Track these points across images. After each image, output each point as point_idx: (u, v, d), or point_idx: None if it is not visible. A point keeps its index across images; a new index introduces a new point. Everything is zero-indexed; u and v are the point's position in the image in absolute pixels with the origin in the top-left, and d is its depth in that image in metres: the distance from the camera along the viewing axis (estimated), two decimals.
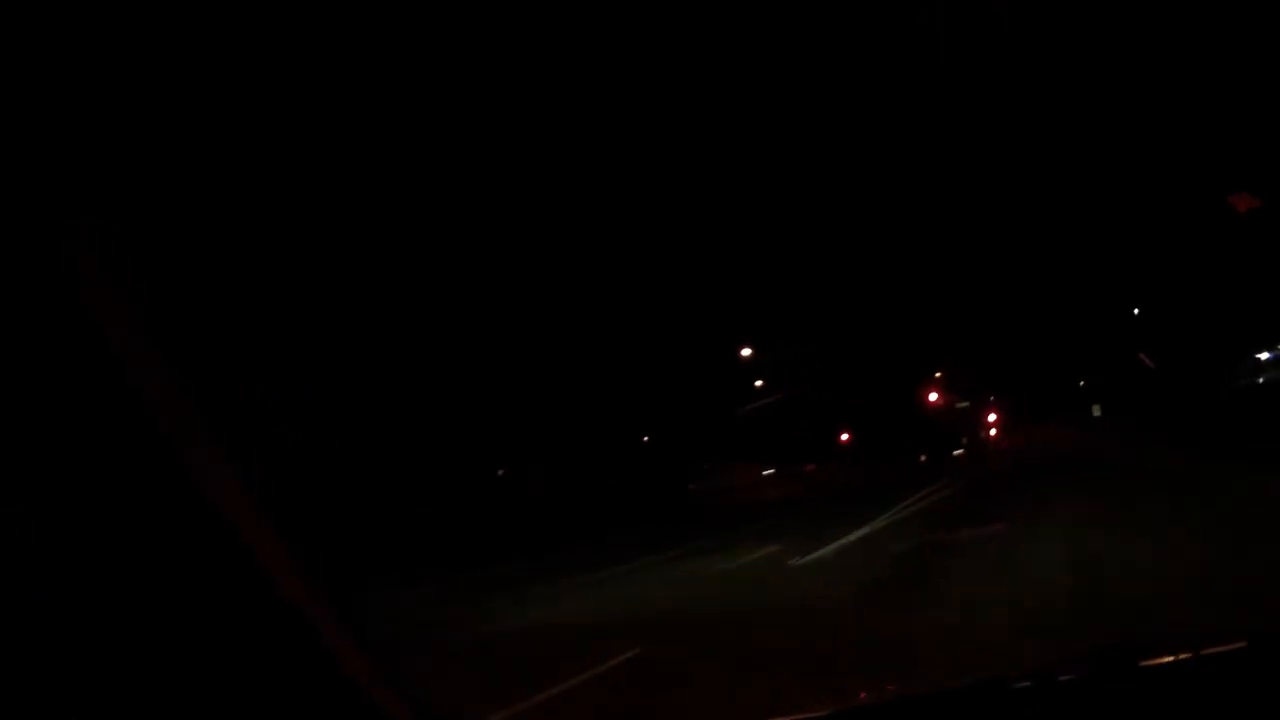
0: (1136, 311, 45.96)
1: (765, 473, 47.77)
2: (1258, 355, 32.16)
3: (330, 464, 21.22)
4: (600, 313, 33.63)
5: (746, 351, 41.02)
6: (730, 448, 45.98)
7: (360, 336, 24.08)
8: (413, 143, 25.88)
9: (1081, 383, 73.76)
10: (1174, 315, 42.30)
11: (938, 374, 64.19)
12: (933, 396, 62.78)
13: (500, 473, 34.11)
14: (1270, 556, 7.25)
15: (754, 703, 5.62)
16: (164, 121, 16.65)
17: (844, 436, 63.10)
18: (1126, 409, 47.85)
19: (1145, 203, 38.12)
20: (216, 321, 16.25)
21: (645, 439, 42.29)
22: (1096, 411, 52.83)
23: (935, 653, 6.30)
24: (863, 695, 3.12)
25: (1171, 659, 2.19)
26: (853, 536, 15.62)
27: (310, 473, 18.65)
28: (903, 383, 59.20)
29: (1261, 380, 30.30)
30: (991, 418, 74.18)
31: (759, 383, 51.71)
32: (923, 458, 65.74)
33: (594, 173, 31.79)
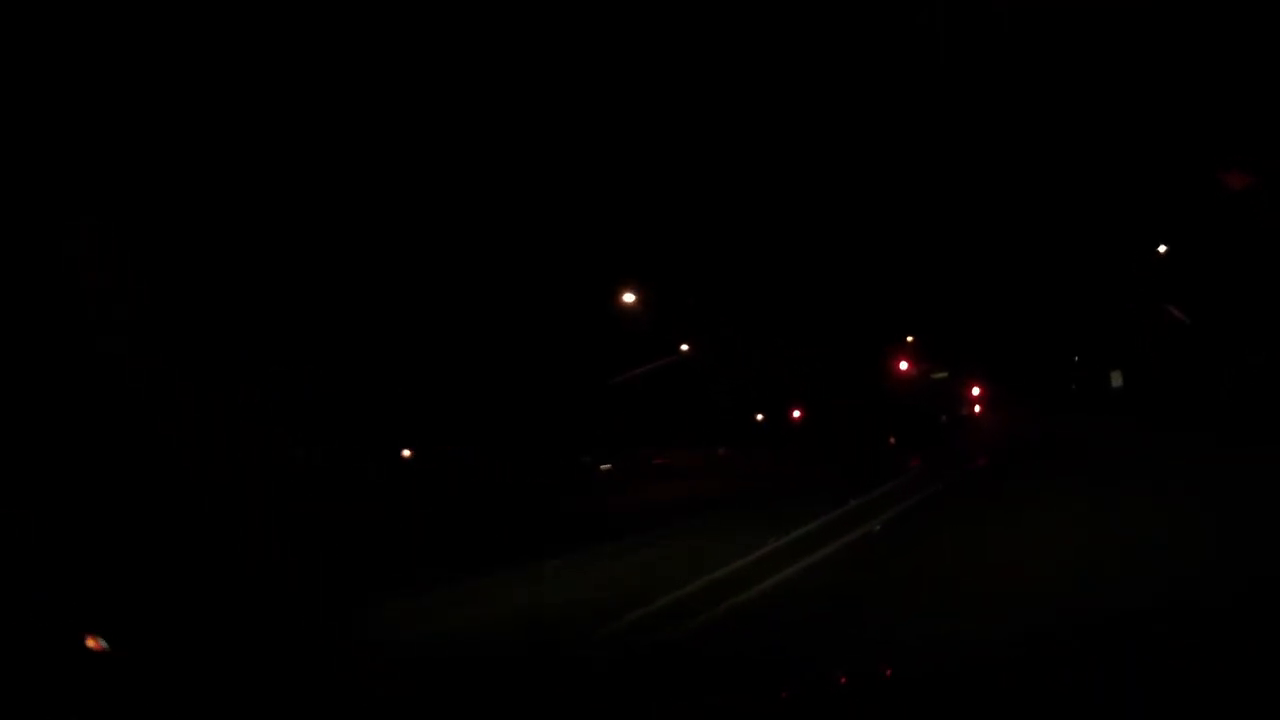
0: (1163, 250, 34.50)
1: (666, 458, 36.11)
2: None
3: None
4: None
5: (630, 297, 29.27)
6: (624, 428, 34.83)
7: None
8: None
9: (1076, 358, 62.57)
10: (1214, 252, 31.23)
11: (909, 339, 52.80)
12: (903, 365, 51.39)
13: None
14: None
15: None
16: (163, 122, 15.43)
17: (795, 414, 52.15)
18: (1155, 376, 36.61)
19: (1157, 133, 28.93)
20: (217, 321, 15.26)
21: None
22: (1117, 380, 41.40)
23: None
24: (843, 680, 2.93)
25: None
26: None
27: (309, 473, 18.49)
28: (865, 347, 47.80)
29: None
30: (975, 391, 62.34)
31: (684, 346, 40.92)
32: (891, 440, 55.06)
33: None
